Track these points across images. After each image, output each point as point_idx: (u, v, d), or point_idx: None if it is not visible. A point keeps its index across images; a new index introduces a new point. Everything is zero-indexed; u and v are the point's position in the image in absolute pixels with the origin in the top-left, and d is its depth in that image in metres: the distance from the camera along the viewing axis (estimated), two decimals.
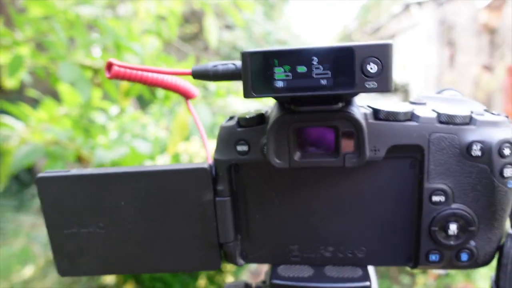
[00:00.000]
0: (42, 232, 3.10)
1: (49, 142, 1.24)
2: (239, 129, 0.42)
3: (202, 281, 2.27)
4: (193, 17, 6.14)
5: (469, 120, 0.40)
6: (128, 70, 0.43)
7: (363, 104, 0.42)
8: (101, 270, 0.46)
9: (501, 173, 0.40)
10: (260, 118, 0.42)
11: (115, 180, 0.43)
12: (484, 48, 5.70)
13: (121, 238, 0.44)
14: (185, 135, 1.19)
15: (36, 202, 3.76)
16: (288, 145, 0.38)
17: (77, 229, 0.44)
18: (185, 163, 0.40)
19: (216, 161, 0.43)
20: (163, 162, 1.65)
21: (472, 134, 0.40)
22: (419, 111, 0.41)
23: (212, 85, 1.38)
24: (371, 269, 0.47)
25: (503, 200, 0.41)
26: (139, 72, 0.44)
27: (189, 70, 0.40)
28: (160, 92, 3.40)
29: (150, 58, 1.32)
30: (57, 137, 1.24)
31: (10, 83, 1.43)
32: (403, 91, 6.86)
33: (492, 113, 0.42)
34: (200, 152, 2.32)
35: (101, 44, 1.23)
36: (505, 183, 0.40)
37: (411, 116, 0.40)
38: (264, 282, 0.51)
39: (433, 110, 0.41)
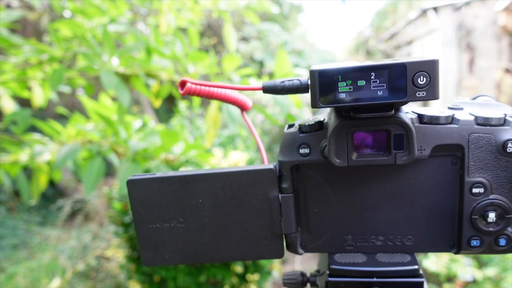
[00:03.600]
0: (68, 245, 3.16)
1: (84, 142, 1.29)
2: (301, 135, 0.48)
3: None
4: (209, 31, 6.23)
5: (504, 122, 0.45)
6: (198, 87, 0.49)
7: (408, 110, 0.47)
8: (181, 259, 0.51)
9: None
10: (319, 125, 0.47)
11: (194, 181, 0.48)
12: (504, 52, 5.61)
13: (198, 231, 0.50)
14: (218, 128, 1.24)
15: (61, 216, 3.84)
16: (347, 146, 0.43)
17: (161, 223, 0.50)
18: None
19: (280, 162, 0.49)
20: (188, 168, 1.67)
21: (506, 134, 0.45)
22: (458, 115, 0.46)
23: (236, 75, 1.40)
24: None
25: None
26: (210, 88, 0.49)
27: (260, 85, 0.47)
28: (182, 104, 3.45)
29: (178, 58, 1.35)
30: (92, 136, 1.29)
31: (39, 101, 1.48)
32: None
33: None
34: (221, 163, 2.34)
35: (133, 51, 1.28)
36: None
37: (452, 120, 0.45)
38: (318, 271, 0.56)
39: (471, 114, 0.46)
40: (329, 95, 0.39)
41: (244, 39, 6.70)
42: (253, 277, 2.29)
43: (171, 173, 0.49)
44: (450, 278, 2.48)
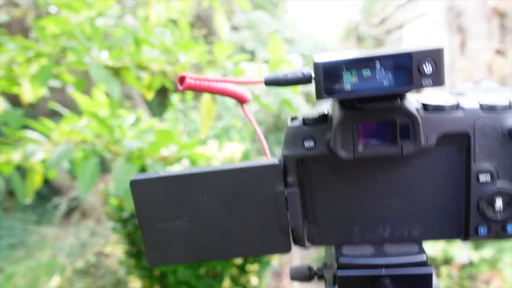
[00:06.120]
0: (66, 243, 3.15)
1: (78, 142, 1.27)
2: (305, 128, 0.48)
3: (226, 283, 2.28)
4: (199, 22, 6.16)
5: (509, 107, 0.45)
6: (198, 82, 0.48)
7: (412, 100, 0.47)
8: (187, 258, 0.51)
9: None
10: (324, 117, 0.47)
11: (198, 179, 0.48)
12: (495, 33, 5.61)
13: (204, 229, 0.49)
14: (212, 119, 1.22)
15: (57, 214, 3.82)
16: (353, 138, 0.44)
17: (166, 223, 0.49)
18: (255, 160, 0.50)
19: (285, 156, 0.48)
20: (182, 166, 1.66)
21: None
22: (463, 102, 0.46)
23: (229, 63, 1.36)
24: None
25: None
26: (209, 83, 0.49)
27: (262, 79, 0.46)
28: (174, 97, 3.41)
29: (168, 48, 1.33)
30: (85, 135, 1.27)
31: (28, 97, 1.46)
32: None
33: None
34: (217, 155, 2.33)
35: (122, 43, 1.25)
36: None
37: (457, 107, 0.46)
38: (325, 264, 0.56)
39: (475, 100, 0.46)
40: (334, 86, 0.39)
41: (234, 28, 6.65)
42: (253, 267, 2.30)
43: (175, 171, 0.49)
44: (447, 261, 2.50)
